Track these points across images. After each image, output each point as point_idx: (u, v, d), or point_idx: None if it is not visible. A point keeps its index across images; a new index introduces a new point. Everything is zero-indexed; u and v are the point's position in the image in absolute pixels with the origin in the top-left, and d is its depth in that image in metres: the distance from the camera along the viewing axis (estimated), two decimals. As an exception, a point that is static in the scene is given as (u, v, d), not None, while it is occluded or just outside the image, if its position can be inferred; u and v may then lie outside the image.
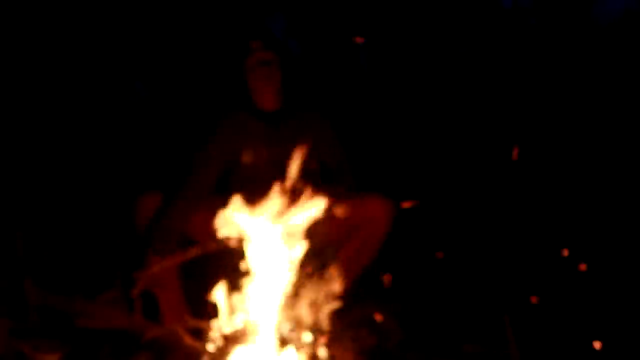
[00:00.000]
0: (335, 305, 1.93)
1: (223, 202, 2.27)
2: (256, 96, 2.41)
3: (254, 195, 2.15)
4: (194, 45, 4.13)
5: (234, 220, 1.88)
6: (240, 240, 2.15)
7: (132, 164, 3.83)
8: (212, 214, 2.30)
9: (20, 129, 3.85)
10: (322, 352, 1.86)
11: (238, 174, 2.43)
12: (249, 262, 1.89)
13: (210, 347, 1.91)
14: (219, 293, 1.93)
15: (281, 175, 2.22)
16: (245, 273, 1.89)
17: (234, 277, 1.90)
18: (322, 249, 1.94)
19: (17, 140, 3.79)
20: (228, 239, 2.12)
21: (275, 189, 1.88)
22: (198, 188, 2.39)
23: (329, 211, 1.89)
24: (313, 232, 1.88)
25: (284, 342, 1.84)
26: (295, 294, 1.87)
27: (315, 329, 1.87)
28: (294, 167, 2.02)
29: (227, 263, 1.94)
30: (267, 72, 2.38)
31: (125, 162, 3.89)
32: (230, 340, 1.88)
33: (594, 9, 4.95)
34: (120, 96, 4.38)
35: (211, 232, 2.24)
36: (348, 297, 2.31)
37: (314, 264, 1.90)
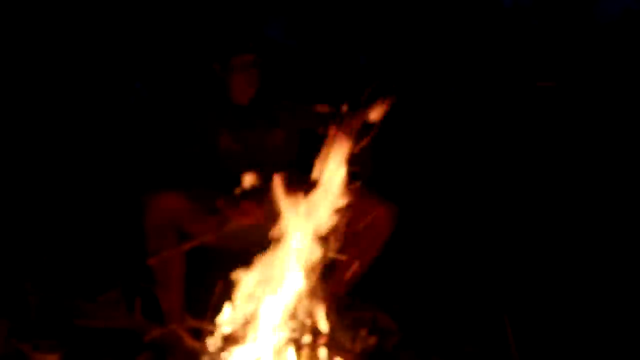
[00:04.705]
0: (335, 305, 1.93)
1: (210, 195, 2.32)
2: (234, 93, 2.47)
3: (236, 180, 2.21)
4: (194, 45, 4.12)
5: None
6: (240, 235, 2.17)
7: (133, 164, 3.83)
8: (204, 207, 2.33)
9: (21, 129, 3.85)
10: (322, 352, 1.87)
11: (216, 161, 2.47)
12: (250, 261, 1.89)
13: (210, 347, 1.91)
14: (219, 293, 1.94)
15: (256, 160, 2.35)
16: (245, 273, 1.89)
17: (234, 278, 1.90)
18: (324, 249, 1.93)
19: (18, 140, 3.79)
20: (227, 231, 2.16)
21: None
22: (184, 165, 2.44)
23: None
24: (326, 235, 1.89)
25: (283, 342, 1.84)
26: (296, 294, 1.87)
27: (315, 329, 1.87)
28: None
29: (227, 263, 1.94)
30: (251, 74, 2.45)
31: (126, 162, 3.89)
32: (230, 340, 1.88)
33: (594, 9, 4.94)
34: (120, 96, 4.38)
35: (206, 225, 2.27)
36: (348, 297, 2.33)
37: (315, 264, 1.90)
